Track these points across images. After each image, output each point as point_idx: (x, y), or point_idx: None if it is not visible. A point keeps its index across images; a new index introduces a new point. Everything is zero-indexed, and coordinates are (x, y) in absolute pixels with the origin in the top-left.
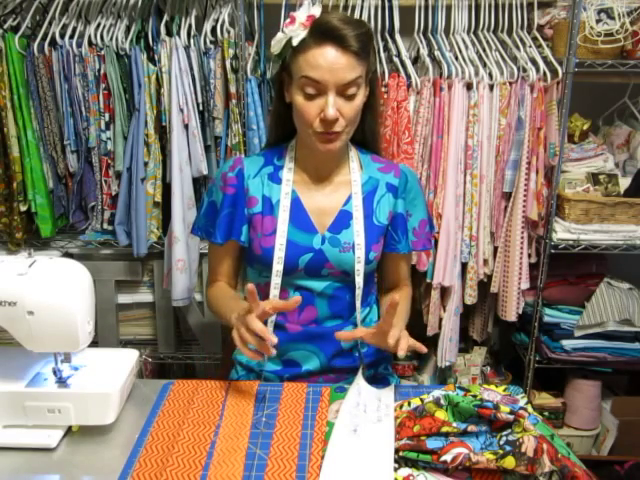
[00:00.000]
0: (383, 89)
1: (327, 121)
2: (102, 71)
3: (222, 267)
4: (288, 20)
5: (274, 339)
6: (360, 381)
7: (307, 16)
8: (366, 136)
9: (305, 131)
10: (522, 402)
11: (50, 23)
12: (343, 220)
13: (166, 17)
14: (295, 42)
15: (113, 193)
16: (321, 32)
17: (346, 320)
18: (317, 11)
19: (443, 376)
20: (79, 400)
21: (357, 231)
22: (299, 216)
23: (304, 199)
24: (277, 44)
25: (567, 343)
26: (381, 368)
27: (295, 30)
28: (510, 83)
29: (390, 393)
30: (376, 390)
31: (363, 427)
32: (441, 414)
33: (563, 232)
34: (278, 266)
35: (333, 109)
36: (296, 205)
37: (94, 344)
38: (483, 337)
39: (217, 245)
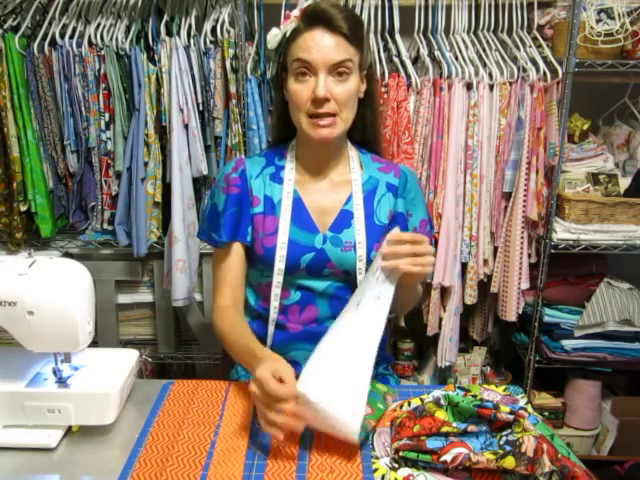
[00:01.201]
0: (383, 89)
1: (318, 100)
2: (102, 71)
3: (229, 275)
4: (285, 18)
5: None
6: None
7: (300, 10)
8: (367, 134)
9: (299, 118)
10: (522, 402)
11: (50, 23)
12: (344, 219)
13: (166, 17)
14: (288, 32)
15: (113, 193)
16: (311, 17)
17: None
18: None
19: (443, 376)
20: (79, 400)
21: (358, 230)
22: (300, 215)
23: (305, 199)
24: (273, 39)
25: (567, 343)
26: (381, 368)
27: (290, 23)
28: (510, 83)
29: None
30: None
31: (364, 303)
32: (441, 414)
33: (563, 232)
34: (280, 265)
35: (323, 89)
36: (297, 204)
37: (94, 344)
38: (483, 337)
39: (222, 249)
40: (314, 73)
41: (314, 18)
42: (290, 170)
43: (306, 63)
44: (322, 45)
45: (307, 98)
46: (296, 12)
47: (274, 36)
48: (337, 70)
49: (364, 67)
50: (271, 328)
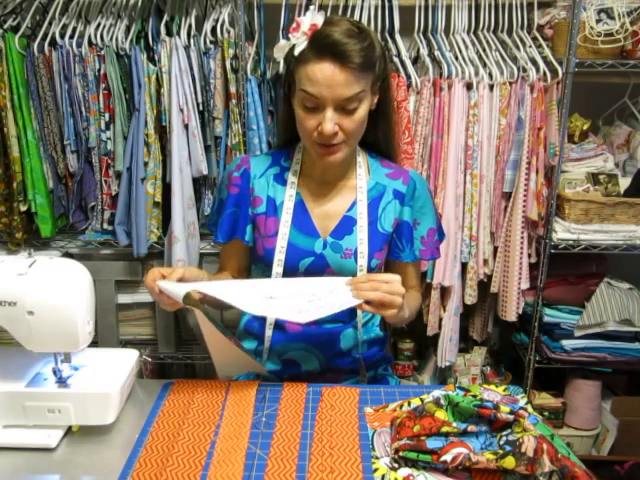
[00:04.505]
0: None
1: (324, 135)
2: (102, 71)
3: (229, 263)
4: (294, 25)
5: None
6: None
7: (310, 24)
8: (378, 140)
9: (305, 141)
10: (522, 402)
11: (50, 23)
12: (346, 226)
13: (166, 17)
14: (296, 52)
15: (113, 193)
16: (321, 46)
17: (347, 323)
18: (320, 20)
19: (443, 376)
20: (79, 400)
21: (361, 239)
22: (302, 219)
23: (308, 202)
24: (280, 51)
25: (567, 343)
26: (381, 369)
27: (298, 38)
28: (510, 83)
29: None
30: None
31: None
32: (441, 414)
33: (563, 232)
34: (278, 268)
35: (330, 124)
36: (300, 208)
37: (94, 344)
38: (483, 337)
39: (225, 243)
40: (322, 106)
41: (324, 49)
42: (294, 173)
43: (313, 97)
44: (331, 80)
45: (314, 129)
46: (306, 26)
47: (281, 48)
48: (347, 104)
49: (378, 81)
50: (269, 333)
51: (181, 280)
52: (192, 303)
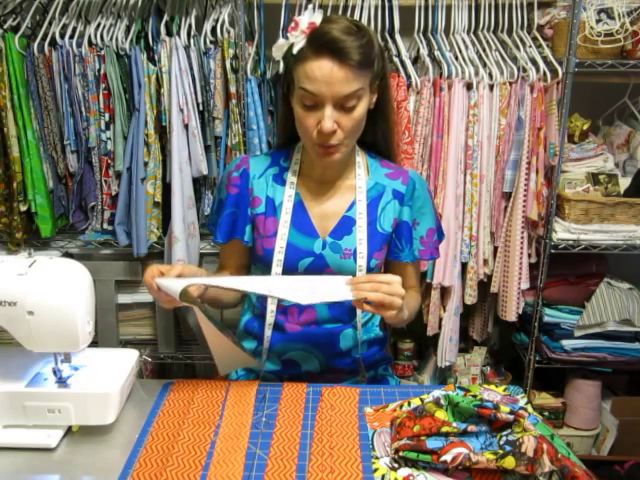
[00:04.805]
0: None
1: (324, 133)
2: (102, 71)
3: (229, 263)
4: (292, 24)
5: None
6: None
7: (308, 23)
8: (378, 140)
9: (304, 140)
10: (522, 402)
11: (50, 23)
12: (345, 226)
13: (166, 17)
14: (295, 50)
15: (113, 193)
16: (319, 43)
17: (346, 323)
18: (318, 18)
19: (443, 376)
20: (79, 400)
21: (360, 239)
22: (301, 219)
23: (307, 202)
24: (278, 50)
25: (567, 343)
26: (381, 369)
27: (297, 37)
28: (510, 83)
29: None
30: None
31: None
32: (441, 414)
33: (563, 232)
34: (277, 269)
35: (330, 122)
36: (299, 208)
37: (94, 344)
38: (483, 337)
39: (221, 243)
40: (321, 104)
41: (322, 46)
42: (293, 173)
43: (312, 95)
44: (330, 78)
45: (313, 127)
46: (304, 24)
47: (280, 47)
48: (345, 102)
49: (377, 79)
50: (269, 333)
51: (179, 277)
52: (189, 300)
